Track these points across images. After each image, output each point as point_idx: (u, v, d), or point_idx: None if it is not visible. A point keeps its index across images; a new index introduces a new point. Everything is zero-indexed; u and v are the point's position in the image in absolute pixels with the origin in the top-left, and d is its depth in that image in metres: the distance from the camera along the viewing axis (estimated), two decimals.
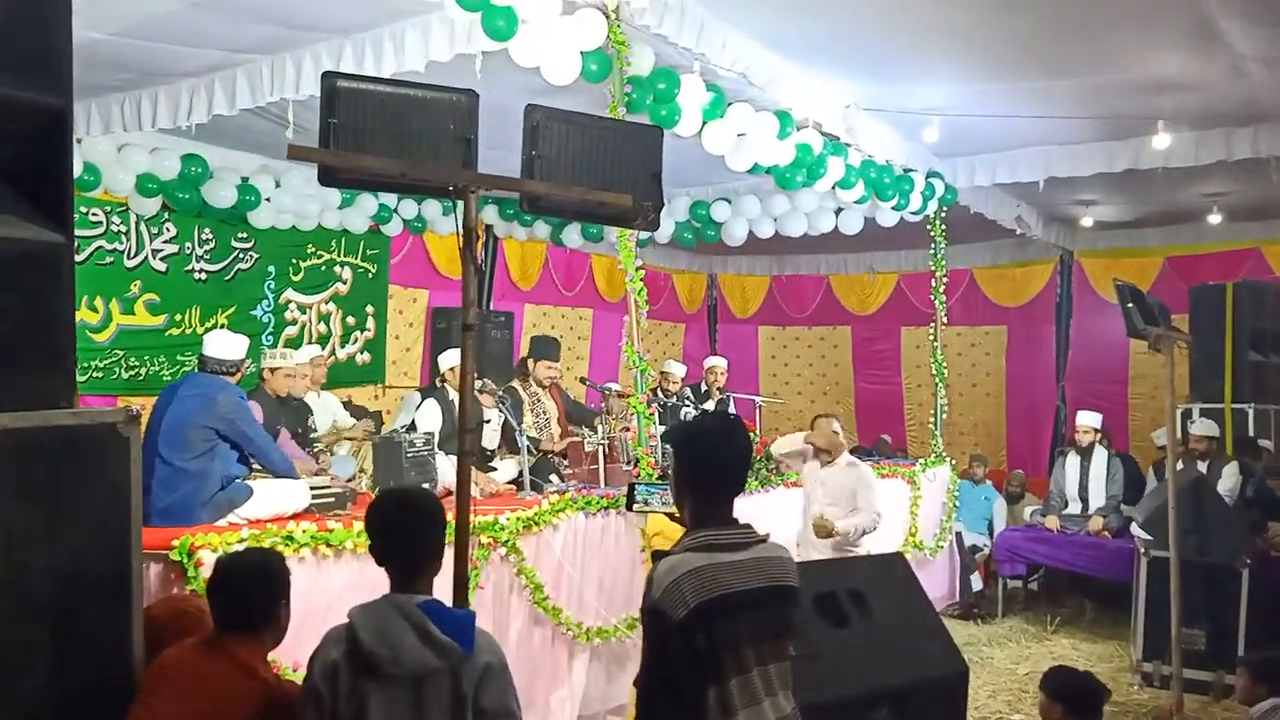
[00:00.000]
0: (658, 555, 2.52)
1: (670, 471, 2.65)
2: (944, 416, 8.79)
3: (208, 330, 7.78)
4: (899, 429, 11.86)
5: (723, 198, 8.86)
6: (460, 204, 3.11)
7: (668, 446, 5.90)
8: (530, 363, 6.82)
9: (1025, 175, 7.90)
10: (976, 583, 8.62)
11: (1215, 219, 9.42)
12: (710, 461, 2.52)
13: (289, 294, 8.49)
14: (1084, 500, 8.04)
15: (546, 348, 6.88)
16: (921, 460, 8.42)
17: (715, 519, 2.52)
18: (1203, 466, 7.18)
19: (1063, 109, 6.79)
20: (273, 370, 5.87)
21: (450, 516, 4.48)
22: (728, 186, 8.82)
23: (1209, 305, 7.82)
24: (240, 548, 3.88)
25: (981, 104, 6.71)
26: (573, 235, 9.57)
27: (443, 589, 2.61)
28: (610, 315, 11.21)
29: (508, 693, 2.38)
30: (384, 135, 3.03)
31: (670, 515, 2.78)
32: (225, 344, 4.89)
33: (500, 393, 6.18)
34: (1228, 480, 7.09)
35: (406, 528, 2.48)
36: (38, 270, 2.47)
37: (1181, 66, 5.99)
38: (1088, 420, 8.05)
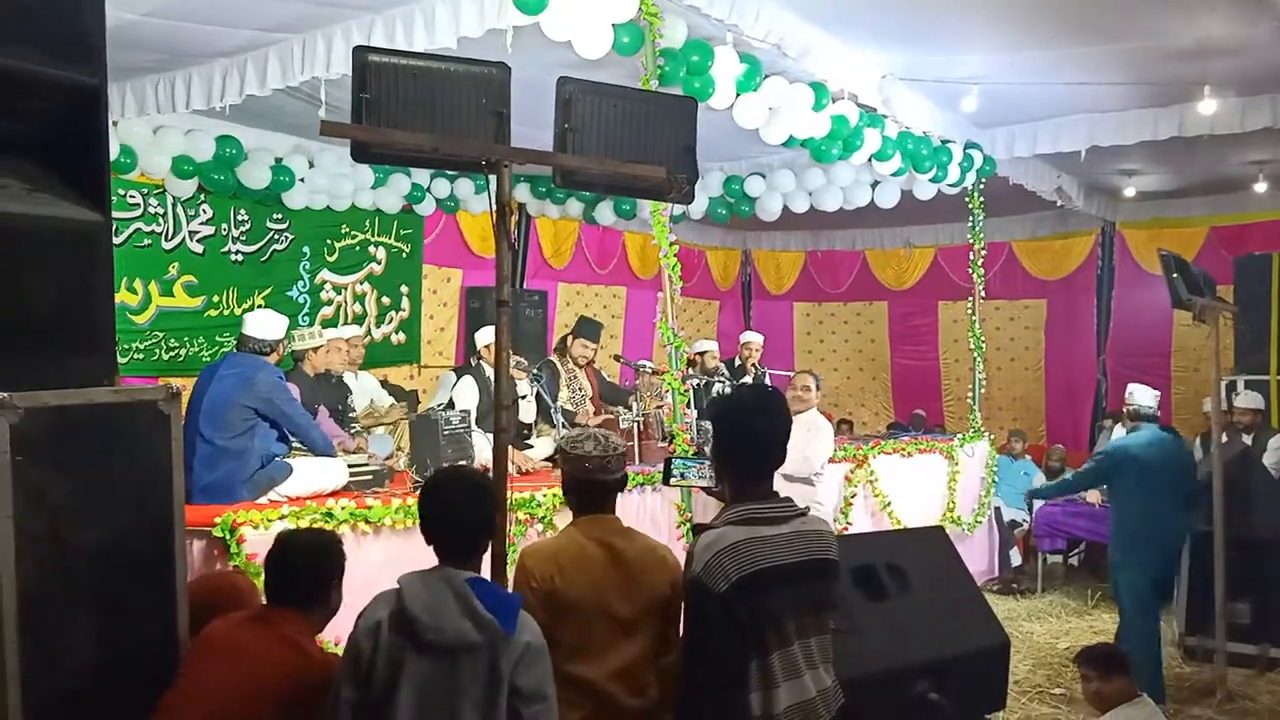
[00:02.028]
0: (698, 529, 2.51)
1: (710, 446, 2.65)
2: (982, 391, 8.70)
3: (245, 311, 7.88)
4: (936, 404, 11.77)
5: (757, 172, 8.78)
6: (493, 178, 3.09)
7: (705, 424, 5.98)
8: (570, 340, 6.86)
9: (1066, 145, 7.74)
10: (1016, 558, 8.55)
11: (1261, 187, 9.20)
12: (748, 435, 2.51)
13: (324, 274, 8.54)
14: None
15: (588, 328, 6.97)
16: (960, 435, 8.35)
17: (755, 493, 2.52)
18: (1248, 439, 7.05)
19: (1105, 75, 6.65)
20: (308, 351, 5.89)
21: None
22: (761, 161, 8.74)
23: (1254, 276, 7.67)
24: (284, 525, 3.92)
25: (1021, 72, 6.58)
26: (605, 213, 9.53)
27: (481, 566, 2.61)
28: (643, 293, 11.18)
29: (545, 676, 2.39)
30: (416, 110, 3.01)
31: (708, 489, 2.78)
32: (265, 323, 4.93)
33: (536, 370, 6.19)
34: (1273, 453, 6.97)
35: (460, 505, 2.50)
36: (77, 249, 2.49)
37: (1227, 30, 5.83)
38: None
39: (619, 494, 2.86)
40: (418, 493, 2.64)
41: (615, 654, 2.65)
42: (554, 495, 4.83)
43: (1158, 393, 6.35)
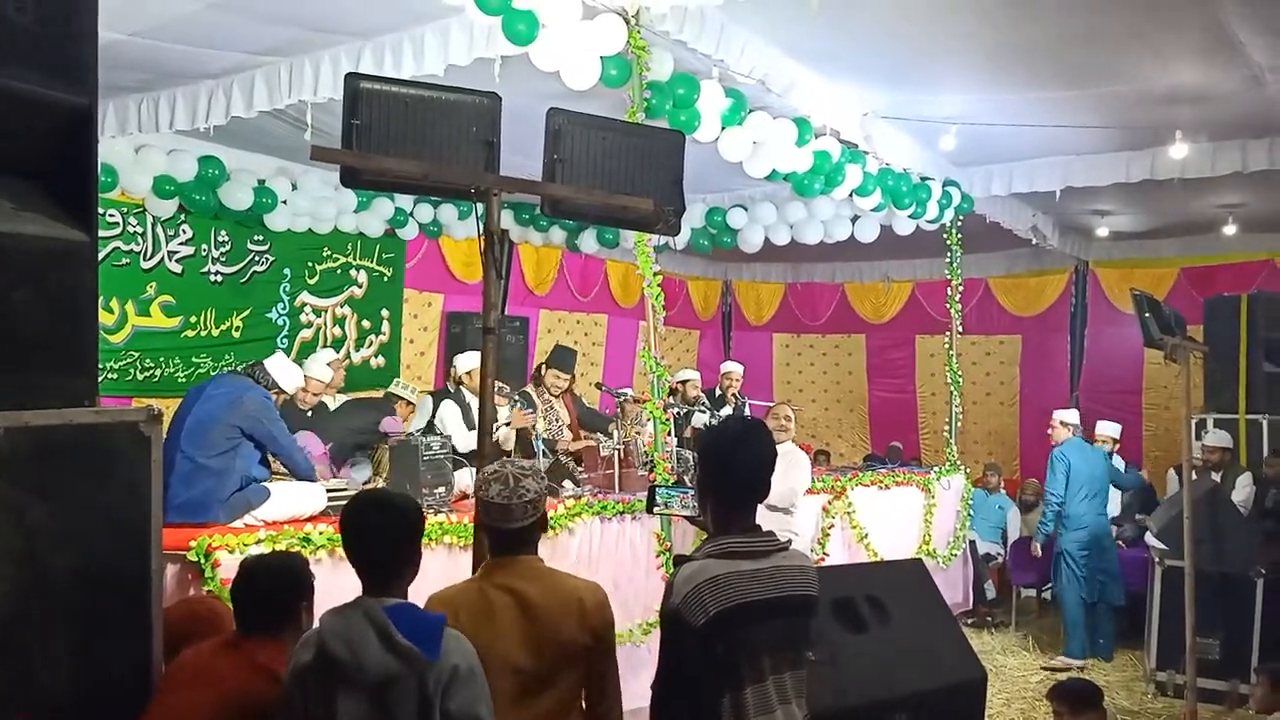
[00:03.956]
0: (679, 560, 2.51)
1: (694, 477, 2.65)
2: (958, 425, 8.75)
3: (223, 332, 7.83)
4: (913, 437, 11.84)
5: (739, 204, 8.84)
6: (482, 206, 3.11)
7: (686, 453, 5.97)
8: (543, 369, 6.85)
9: (1042, 185, 7.87)
10: (990, 591, 8.57)
11: (1230, 230, 9.37)
12: (733, 467, 2.52)
13: (304, 297, 8.51)
14: None
15: (562, 358, 6.96)
16: (936, 468, 8.39)
17: (737, 525, 2.52)
18: (1216, 476, 7.13)
19: (1080, 118, 6.76)
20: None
21: (468, 520, 4.54)
22: (744, 193, 8.81)
23: (1224, 316, 7.79)
24: (260, 549, 3.88)
25: (999, 113, 6.69)
26: (588, 241, 9.56)
27: None
28: (625, 321, 11.20)
29: (478, 699, 2.32)
30: (406, 137, 3.03)
31: (691, 519, 2.77)
32: (284, 371, 5.07)
33: (515, 397, 6.18)
34: (1241, 490, 7.05)
35: (380, 530, 2.45)
36: (62, 268, 2.47)
37: (1199, 77, 5.96)
38: (1107, 430, 7.98)
39: (539, 534, 2.70)
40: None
41: (524, 710, 2.52)
42: None
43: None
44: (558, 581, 2.68)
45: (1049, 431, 7.46)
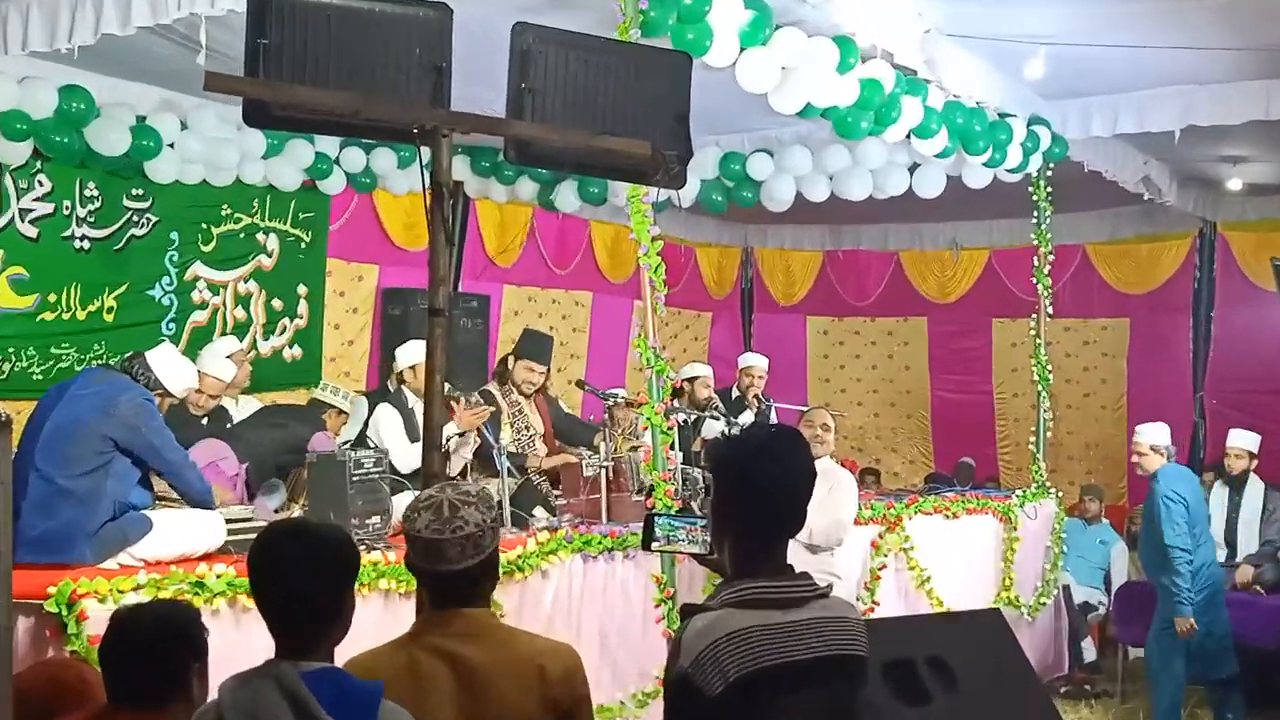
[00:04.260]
0: (688, 610, 2.51)
1: (706, 503, 2.65)
2: (1048, 435, 8.76)
3: (92, 315, 7.81)
4: (989, 451, 11.85)
5: (763, 149, 8.82)
6: (428, 151, 3.11)
7: (694, 472, 5.97)
8: (511, 361, 6.83)
9: (1156, 123, 7.85)
10: (1090, 651, 8.59)
11: None
12: (760, 490, 2.51)
13: (197, 269, 8.47)
14: (1231, 545, 8.00)
15: (534, 345, 6.93)
16: (1019, 492, 8.39)
17: (765, 566, 2.52)
18: None
19: (1207, 38, 6.75)
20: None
21: (395, 558, 4.54)
22: (769, 134, 8.78)
23: None
24: (138, 598, 3.88)
25: (1101, 30, 6.68)
26: (568, 196, 9.54)
27: None
28: (615, 300, 11.20)
29: None
30: (330, 61, 3.03)
31: (700, 557, 2.77)
32: (172, 365, 5.06)
33: (474, 399, 6.18)
34: None
35: (300, 572, 2.46)
36: None
37: None
38: (1241, 442, 7.99)
39: (488, 582, 2.69)
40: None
41: None
42: None
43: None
44: (511, 643, 2.67)
45: (1136, 459, 7.20)
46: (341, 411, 7.12)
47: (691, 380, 7.95)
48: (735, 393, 8.41)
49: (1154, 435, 7.17)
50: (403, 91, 3.10)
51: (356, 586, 2.67)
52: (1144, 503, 7.28)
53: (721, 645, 2.37)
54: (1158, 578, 6.96)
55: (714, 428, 7.40)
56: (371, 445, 5.72)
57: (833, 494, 5.76)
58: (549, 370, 7.07)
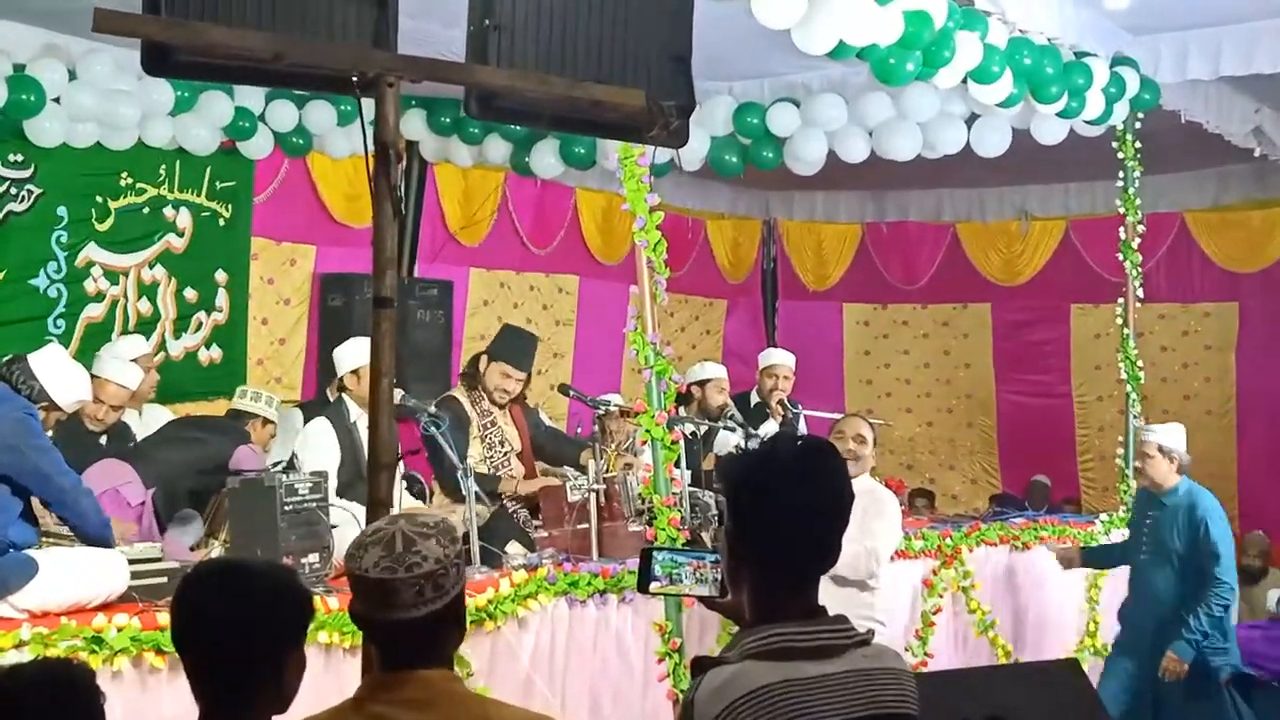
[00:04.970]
0: (700, 664, 2.50)
1: (719, 533, 2.64)
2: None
3: None
4: (1067, 466, 11.88)
5: (787, 98, 8.82)
6: (371, 104, 3.10)
7: (708, 496, 5.95)
8: (483, 362, 6.82)
9: (1269, 63, 7.84)
10: None
11: None
12: (786, 516, 2.50)
13: (90, 252, 8.44)
14: None
15: (513, 346, 6.93)
16: (1104, 517, 8.42)
17: (792, 608, 2.51)
18: None
19: None
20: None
21: (338, 605, 4.53)
22: (794, 80, 8.79)
23: None
24: (20, 657, 3.86)
25: None
26: (547, 158, 9.54)
27: None
28: (607, 286, 11.20)
29: None
30: None
31: (710, 601, 2.76)
32: (61, 371, 5.08)
33: (430, 410, 6.17)
34: None
35: (235, 622, 2.45)
36: None
37: None
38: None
39: (452, 635, 2.68)
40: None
41: None
42: None
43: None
44: (476, 713, 2.65)
45: (1139, 463, 7.09)
46: (269, 421, 7.09)
47: (702, 384, 7.94)
48: (755, 398, 8.40)
49: (1167, 437, 7.06)
50: (339, 31, 3.09)
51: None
52: (1147, 522, 7.02)
53: (742, 706, 2.36)
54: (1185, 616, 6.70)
55: (729, 441, 7.38)
56: (305, 470, 5.70)
57: (866, 518, 5.76)
58: (529, 377, 7.06)
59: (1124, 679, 6.79)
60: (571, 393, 7.49)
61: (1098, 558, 7.56)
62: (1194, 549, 6.70)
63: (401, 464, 6.19)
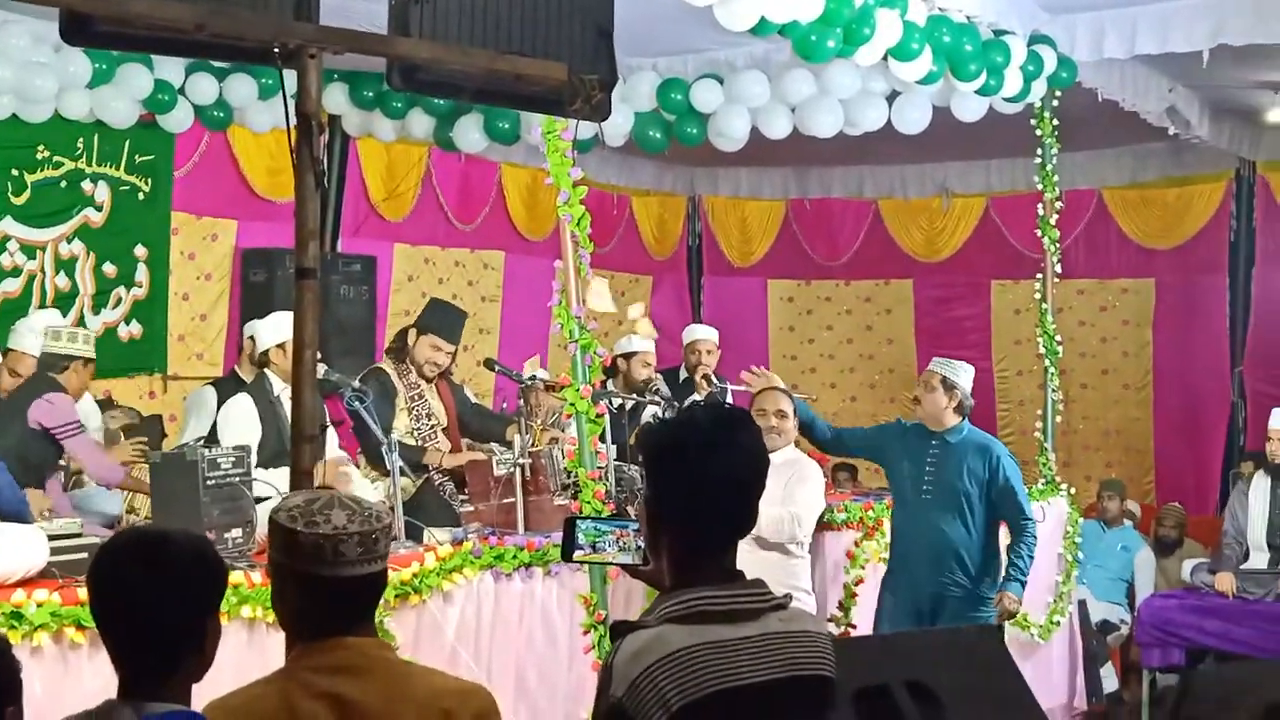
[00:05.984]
0: (619, 629, 2.53)
1: (638, 502, 2.66)
2: (1058, 421, 8.87)
3: None
4: None
5: (710, 74, 8.82)
6: (293, 76, 3.10)
7: (631, 469, 5.98)
8: (412, 336, 6.81)
9: (1182, 43, 7.89)
10: (1110, 679, 8.72)
11: None
12: (702, 483, 2.53)
13: (6, 226, 8.38)
14: (1275, 548, 8.14)
15: (441, 319, 6.95)
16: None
17: (710, 573, 2.54)
18: None
19: None
20: None
21: (260, 578, 4.52)
22: (718, 56, 8.79)
23: None
24: None
25: None
26: (471, 133, 9.49)
27: None
28: (532, 262, 11.10)
29: None
30: None
31: (633, 569, 2.78)
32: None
33: (355, 385, 6.15)
34: None
35: (151, 588, 2.44)
36: None
37: None
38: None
39: (375, 602, 2.67)
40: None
41: None
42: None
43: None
44: (409, 680, 2.65)
45: (920, 393, 6.99)
46: (90, 360, 6.75)
47: (628, 357, 7.96)
48: (684, 373, 8.42)
49: (954, 372, 6.97)
50: (261, 2, 3.08)
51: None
52: (929, 462, 6.77)
53: (660, 669, 2.39)
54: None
55: (656, 413, 7.41)
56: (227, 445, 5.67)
57: (789, 485, 5.86)
58: (456, 351, 7.06)
59: (902, 619, 6.48)
60: (496, 367, 7.49)
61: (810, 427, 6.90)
62: (989, 492, 6.59)
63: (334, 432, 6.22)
